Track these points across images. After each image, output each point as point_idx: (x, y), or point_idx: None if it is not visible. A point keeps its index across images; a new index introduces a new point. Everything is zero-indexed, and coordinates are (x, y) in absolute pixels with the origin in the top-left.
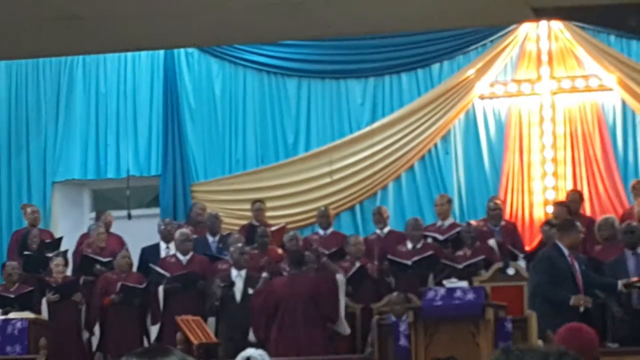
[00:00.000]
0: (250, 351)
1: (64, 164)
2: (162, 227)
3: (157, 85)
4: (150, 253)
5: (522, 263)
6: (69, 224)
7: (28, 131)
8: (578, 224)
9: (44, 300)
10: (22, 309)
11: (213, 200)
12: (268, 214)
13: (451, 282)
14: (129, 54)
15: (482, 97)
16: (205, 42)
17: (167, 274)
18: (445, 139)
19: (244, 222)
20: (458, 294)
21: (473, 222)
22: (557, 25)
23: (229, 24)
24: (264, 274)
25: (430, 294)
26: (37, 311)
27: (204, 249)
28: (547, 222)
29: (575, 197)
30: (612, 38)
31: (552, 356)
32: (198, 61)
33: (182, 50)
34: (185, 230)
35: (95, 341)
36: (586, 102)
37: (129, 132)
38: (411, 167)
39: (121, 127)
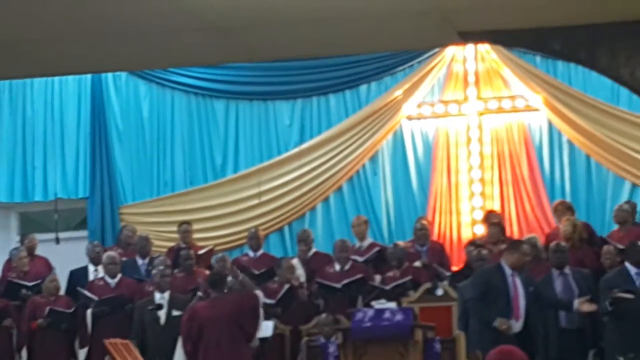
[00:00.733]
0: None
1: None
2: (91, 249)
3: (85, 107)
4: (78, 276)
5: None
6: None
7: None
8: (526, 246)
9: None
10: None
11: (141, 223)
12: (197, 235)
13: (380, 303)
14: None
15: (409, 118)
16: (133, 67)
17: (95, 298)
18: (373, 159)
19: (173, 244)
20: (387, 315)
21: (400, 243)
22: (483, 46)
23: (157, 48)
24: (199, 294)
25: (359, 315)
26: None
27: (133, 272)
28: (472, 243)
29: (497, 216)
30: (538, 59)
31: None
32: (125, 83)
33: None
34: (112, 253)
35: None
36: (513, 122)
37: (56, 154)
38: (339, 188)
39: (48, 149)
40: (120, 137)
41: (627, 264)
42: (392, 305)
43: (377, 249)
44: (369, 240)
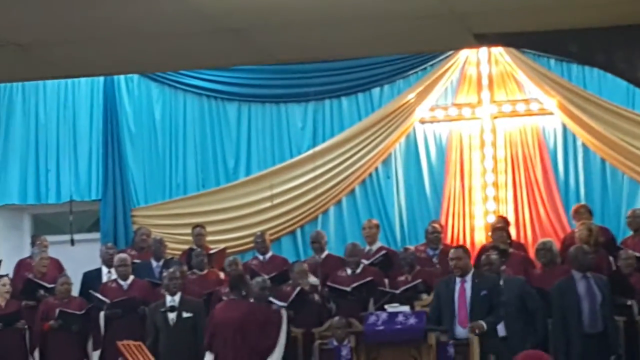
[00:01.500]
0: None
1: (1, 189)
2: (104, 251)
3: (97, 110)
4: (91, 278)
5: None
6: (8, 249)
7: None
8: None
9: None
10: None
11: (154, 225)
12: (209, 238)
13: (393, 307)
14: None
15: (422, 121)
16: (147, 69)
17: (107, 300)
18: (386, 163)
19: (186, 246)
20: (400, 318)
21: (411, 247)
22: (497, 49)
23: (170, 50)
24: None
25: (372, 319)
26: None
27: (147, 274)
28: (493, 247)
29: (502, 221)
30: (552, 62)
31: None
32: (138, 85)
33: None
34: (123, 255)
35: None
36: (527, 125)
37: (69, 156)
38: (352, 192)
39: (61, 151)
40: (133, 139)
41: None
42: (406, 308)
43: (383, 252)
44: (378, 244)
